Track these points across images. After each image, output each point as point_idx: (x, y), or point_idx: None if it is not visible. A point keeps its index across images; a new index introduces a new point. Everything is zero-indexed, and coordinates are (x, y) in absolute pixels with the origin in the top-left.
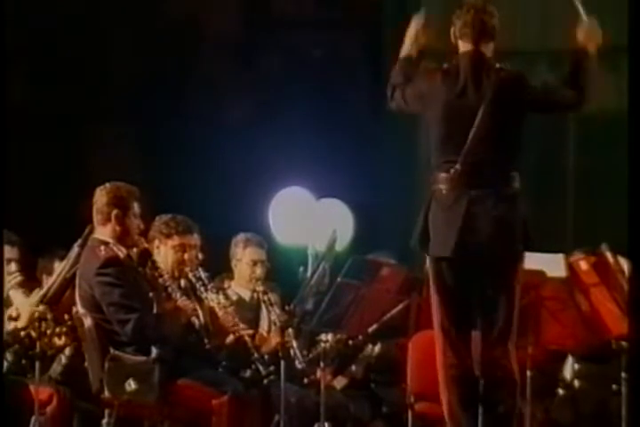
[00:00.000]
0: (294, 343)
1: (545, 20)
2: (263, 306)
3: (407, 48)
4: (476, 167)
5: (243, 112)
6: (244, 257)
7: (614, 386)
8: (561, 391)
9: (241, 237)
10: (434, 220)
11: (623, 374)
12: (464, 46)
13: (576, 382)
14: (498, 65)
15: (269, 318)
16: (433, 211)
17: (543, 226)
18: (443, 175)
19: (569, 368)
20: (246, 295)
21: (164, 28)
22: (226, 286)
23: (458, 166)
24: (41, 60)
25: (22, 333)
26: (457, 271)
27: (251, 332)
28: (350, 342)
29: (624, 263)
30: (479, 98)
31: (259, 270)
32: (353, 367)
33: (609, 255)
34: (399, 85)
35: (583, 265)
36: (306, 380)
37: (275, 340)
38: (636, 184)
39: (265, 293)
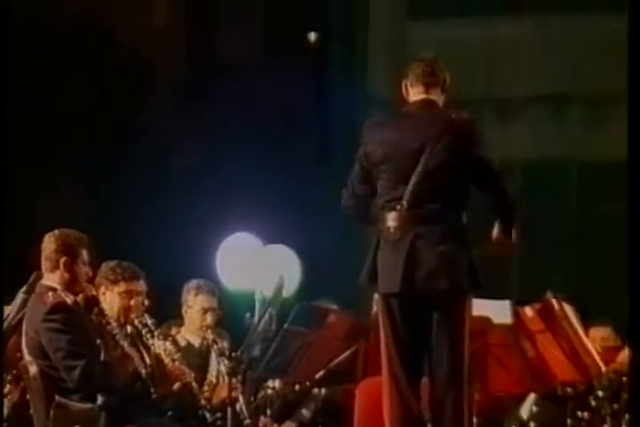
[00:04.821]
0: (241, 399)
1: (490, 69)
2: (213, 355)
3: None
4: (421, 204)
5: (189, 158)
6: (196, 304)
7: None
8: None
9: (193, 283)
10: (382, 257)
11: (569, 421)
12: (415, 95)
13: (532, 425)
14: (453, 115)
15: (218, 368)
16: (381, 248)
17: (488, 272)
18: (390, 214)
19: (527, 408)
20: (196, 342)
21: (111, 75)
22: (174, 332)
23: (404, 202)
24: None
25: None
26: (406, 308)
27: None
28: (297, 386)
29: (569, 310)
30: (427, 137)
31: (209, 318)
32: (301, 411)
33: (554, 302)
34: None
35: (529, 312)
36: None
37: (223, 393)
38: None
39: (215, 342)
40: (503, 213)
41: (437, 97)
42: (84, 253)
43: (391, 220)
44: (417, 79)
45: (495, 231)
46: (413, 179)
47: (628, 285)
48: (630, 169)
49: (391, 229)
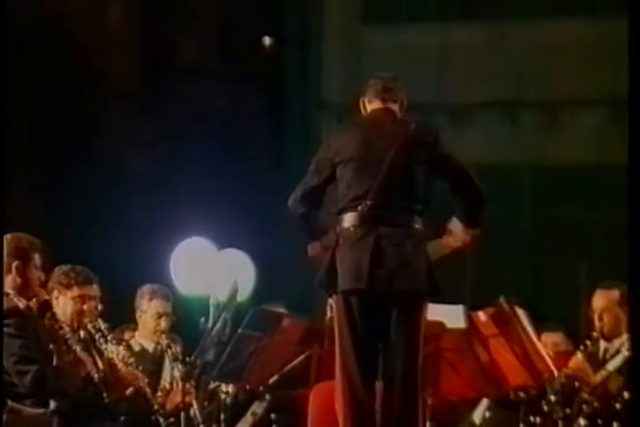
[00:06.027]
0: (195, 404)
1: (443, 74)
2: (167, 360)
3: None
4: (383, 205)
5: (145, 163)
6: (150, 309)
7: None
8: None
9: (147, 288)
10: (342, 257)
11: (521, 426)
12: (373, 106)
13: None
14: (413, 125)
15: (172, 373)
16: (340, 249)
17: (442, 277)
18: (351, 214)
19: (480, 413)
20: (150, 347)
21: (65, 81)
22: (127, 337)
23: (368, 202)
24: None
25: None
26: (366, 306)
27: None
28: (247, 386)
29: (522, 314)
30: (393, 136)
31: (163, 323)
32: (254, 408)
33: (507, 306)
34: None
35: (482, 316)
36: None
37: (177, 398)
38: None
39: (169, 346)
40: (473, 208)
41: (395, 108)
42: (37, 258)
43: (353, 219)
44: (375, 95)
45: (455, 226)
46: (380, 176)
47: (628, 292)
48: (630, 173)
49: (351, 229)
